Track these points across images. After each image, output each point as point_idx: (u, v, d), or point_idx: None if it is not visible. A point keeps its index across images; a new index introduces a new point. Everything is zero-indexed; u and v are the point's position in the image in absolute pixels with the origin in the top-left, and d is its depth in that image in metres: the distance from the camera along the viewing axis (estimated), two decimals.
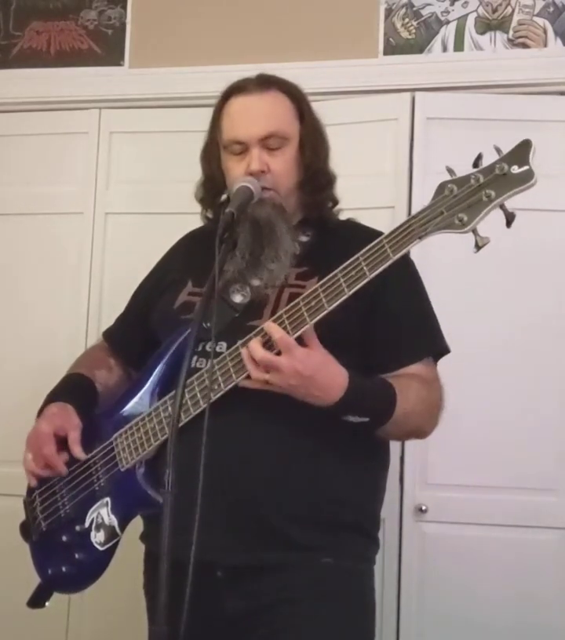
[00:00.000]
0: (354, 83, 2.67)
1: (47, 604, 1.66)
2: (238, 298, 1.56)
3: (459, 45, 2.65)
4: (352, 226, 1.68)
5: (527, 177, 1.32)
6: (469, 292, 2.49)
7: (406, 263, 1.60)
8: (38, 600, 1.66)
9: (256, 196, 1.53)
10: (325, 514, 1.50)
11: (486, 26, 2.64)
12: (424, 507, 2.46)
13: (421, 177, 2.53)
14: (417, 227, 1.36)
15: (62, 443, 1.58)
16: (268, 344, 1.38)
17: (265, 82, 1.63)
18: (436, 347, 1.62)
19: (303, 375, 1.37)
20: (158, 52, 2.82)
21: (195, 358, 1.50)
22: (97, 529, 1.57)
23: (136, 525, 1.61)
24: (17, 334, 2.80)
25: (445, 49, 2.66)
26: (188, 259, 1.72)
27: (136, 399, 1.59)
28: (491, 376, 2.46)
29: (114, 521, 1.55)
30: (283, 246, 1.54)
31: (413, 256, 2.29)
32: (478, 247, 1.34)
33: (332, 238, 1.61)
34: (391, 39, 2.69)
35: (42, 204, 2.83)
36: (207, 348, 1.47)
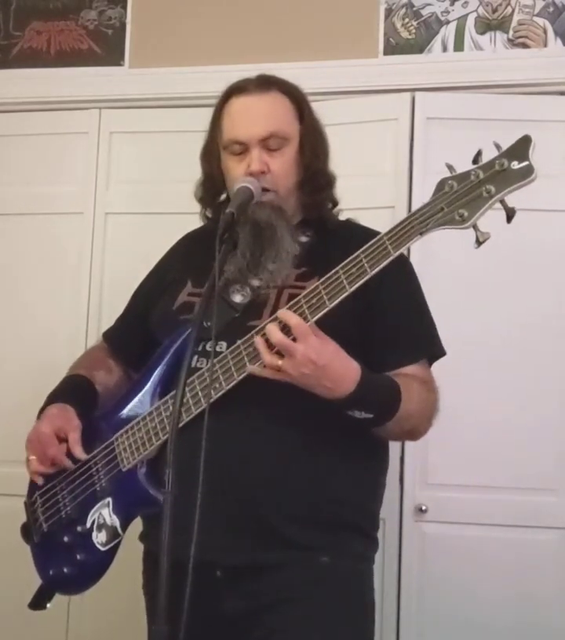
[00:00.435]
0: (354, 83, 2.67)
1: (48, 605, 1.66)
2: (238, 298, 1.56)
3: (459, 45, 2.65)
4: (352, 226, 1.68)
5: (527, 172, 1.32)
6: (469, 292, 2.49)
7: (403, 264, 1.60)
8: (39, 601, 1.65)
9: (257, 196, 1.53)
10: (324, 513, 1.50)
11: (486, 26, 2.64)
12: (424, 507, 2.46)
13: (421, 177, 2.53)
14: (417, 223, 1.36)
15: (62, 444, 1.58)
16: (283, 332, 1.37)
17: (265, 83, 1.64)
18: (433, 350, 1.62)
19: (317, 364, 1.36)
20: (158, 52, 2.82)
21: (195, 357, 1.50)
22: (99, 529, 1.56)
23: (136, 525, 1.61)
24: (17, 334, 2.80)
25: (445, 49, 2.66)
26: (188, 259, 1.72)
27: (136, 399, 1.59)
28: (491, 375, 2.46)
29: (116, 522, 1.55)
30: (284, 247, 1.55)
31: (413, 256, 2.31)
32: (479, 242, 1.34)
33: (331, 239, 1.61)
34: (391, 39, 2.69)
35: (42, 204, 2.83)
36: (207, 348, 1.47)
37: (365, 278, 1.37)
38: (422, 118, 2.58)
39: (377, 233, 1.44)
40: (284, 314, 1.38)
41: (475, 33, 2.64)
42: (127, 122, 2.84)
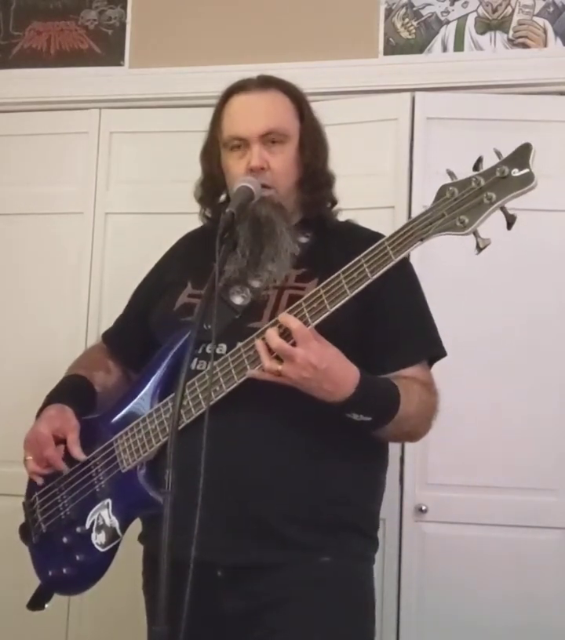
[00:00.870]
0: (354, 83, 2.67)
1: (47, 606, 1.66)
2: (238, 300, 1.55)
3: (459, 45, 2.65)
4: (351, 227, 1.69)
5: (528, 180, 1.33)
6: (469, 293, 2.49)
7: (403, 265, 1.60)
8: (38, 602, 1.65)
9: (257, 196, 1.53)
10: (324, 514, 1.50)
11: (486, 26, 2.64)
12: (424, 507, 2.46)
13: (420, 177, 2.53)
14: (418, 229, 1.37)
15: (61, 445, 1.58)
16: (283, 336, 1.38)
17: (266, 82, 1.64)
18: (433, 351, 1.62)
19: (317, 368, 1.36)
20: (158, 52, 2.82)
21: (195, 360, 1.51)
22: (98, 530, 1.56)
23: (135, 526, 1.61)
24: (17, 334, 2.80)
25: (445, 49, 2.66)
26: (187, 260, 1.72)
27: (136, 400, 1.59)
28: (491, 376, 2.46)
29: (116, 523, 1.55)
30: (283, 245, 1.55)
31: (414, 257, 2.30)
32: (479, 248, 1.35)
33: (331, 240, 1.61)
34: (391, 39, 2.69)
35: (42, 204, 2.83)
36: (208, 350, 1.47)
37: (366, 283, 1.38)
38: (422, 118, 2.58)
39: (377, 234, 1.44)
40: (285, 317, 1.38)
41: (475, 33, 2.64)
42: (127, 122, 2.84)
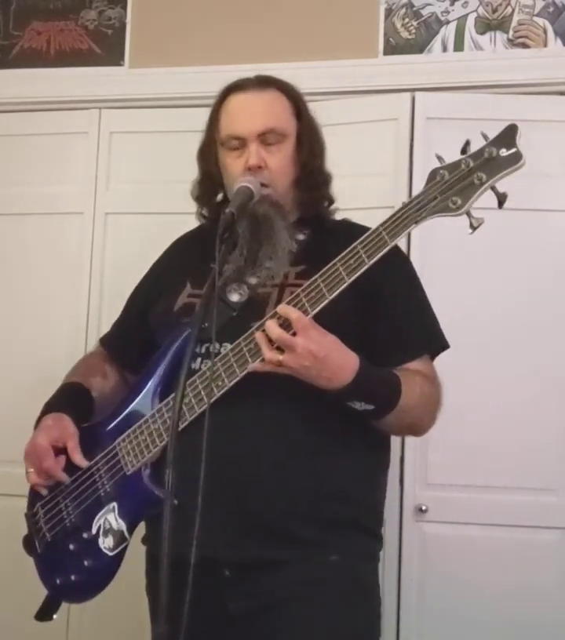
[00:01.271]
0: (354, 83, 2.66)
1: (55, 616, 1.65)
2: (235, 297, 1.56)
3: (459, 45, 2.65)
4: (348, 225, 1.69)
5: (516, 159, 1.36)
6: (469, 293, 2.49)
7: (402, 261, 1.61)
8: (46, 613, 1.64)
9: (257, 196, 1.53)
10: (328, 511, 1.51)
11: (486, 26, 2.64)
12: (424, 507, 2.46)
13: (420, 177, 2.48)
14: (412, 212, 1.40)
15: (61, 454, 1.57)
16: (282, 327, 1.38)
17: (263, 81, 1.65)
18: (434, 344, 1.63)
19: (317, 356, 1.37)
20: (158, 52, 2.82)
21: (199, 360, 1.51)
22: (105, 534, 1.56)
23: (140, 526, 1.60)
24: (17, 334, 2.80)
25: (445, 49, 2.66)
26: (185, 260, 1.72)
27: (137, 401, 1.59)
28: (492, 376, 2.45)
29: (123, 526, 1.55)
30: (281, 243, 1.55)
31: (414, 258, 2.30)
32: (473, 228, 1.38)
33: (329, 237, 1.61)
34: (391, 39, 2.69)
35: (42, 204, 2.83)
36: (211, 349, 1.47)
37: (363, 269, 1.40)
38: (422, 118, 2.58)
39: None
40: (284, 308, 1.39)
41: (475, 33, 2.64)
42: (127, 122, 2.84)
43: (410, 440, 2.40)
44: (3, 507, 2.31)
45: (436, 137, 2.54)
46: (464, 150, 1.39)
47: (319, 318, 1.41)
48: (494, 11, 2.64)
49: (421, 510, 2.46)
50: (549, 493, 2.43)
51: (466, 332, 2.38)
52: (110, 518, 1.55)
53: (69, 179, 2.84)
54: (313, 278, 1.41)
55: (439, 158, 1.41)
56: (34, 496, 1.65)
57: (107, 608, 2.39)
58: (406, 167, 2.57)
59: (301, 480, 1.48)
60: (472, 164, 1.37)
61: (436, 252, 2.42)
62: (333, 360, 1.39)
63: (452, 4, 2.67)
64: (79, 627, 2.63)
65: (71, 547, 1.59)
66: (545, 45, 2.60)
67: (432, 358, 1.63)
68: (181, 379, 1.25)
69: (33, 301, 2.81)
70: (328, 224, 1.67)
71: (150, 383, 1.58)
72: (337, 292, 1.40)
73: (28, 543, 1.67)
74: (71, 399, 1.66)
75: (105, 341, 1.84)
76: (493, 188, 1.37)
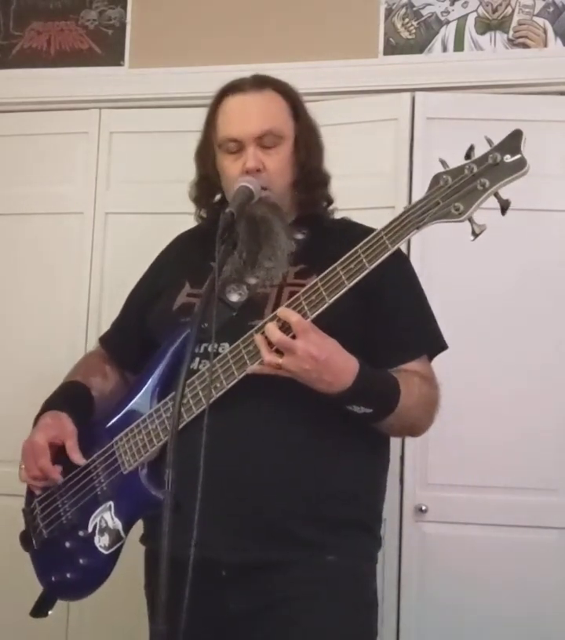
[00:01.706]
0: (354, 83, 2.66)
1: (50, 612, 1.65)
2: (234, 297, 1.56)
3: (459, 45, 2.65)
4: (347, 224, 1.69)
5: (520, 165, 1.35)
6: (468, 293, 2.49)
7: (402, 262, 1.61)
8: (41, 609, 1.64)
9: (256, 196, 1.53)
10: (328, 512, 1.51)
11: (486, 26, 2.64)
12: (424, 507, 2.46)
13: (420, 177, 2.52)
14: (414, 217, 1.39)
15: (59, 452, 1.57)
16: (282, 330, 1.38)
17: (260, 82, 1.64)
18: (433, 345, 1.63)
19: (318, 359, 1.37)
20: (158, 52, 2.82)
21: (197, 360, 1.51)
22: (101, 533, 1.56)
23: (137, 526, 1.61)
24: (17, 334, 2.80)
25: (445, 49, 2.66)
26: (183, 260, 1.72)
27: (135, 400, 1.59)
28: (492, 376, 2.46)
29: (119, 525, 1.55)
30: (280, 244, 1.55)
31: (414, 259, 2.30)
32: (475, 235, 1.37)
33: (327, 236, 1.62)
34: (391, 39, 2.69)
35: (42, 204, 2.83)
36: (210, 349, 1.47)
37: (363, 273, 1.39)
38: (422, 118, 2.58)
39: (372, 229, 1.45)
40: (283, 311, 1.39)
41: (475, 33, 2.64)
42: (127, 122, 2.84)
43: (409, 440, 2.40)
44: (3, 506, 2.31)
45: (436, 137, 2.54)
46: (468, 155, 1.38)
47: (319, 318, 1.41)
48: (494, 11, 2.64)
49: (421, 510, 2.46)
50: (549, 493, 2.43)
51: (466, 331, 2.39)
52: (106, 516, 1.56)
53: (69, 179, 2.84)
54: (313, 282, 1.41)
55: (443, 163, 1.39)
56: (31, 491, 1.65)
57: (106, 606, 2.39)
58: (406, 167, 2.57)
59: (301, 481, 1.48)
60: (475, 169, 1.36)
61: (436, 252, 2.42)
62: (333, 364, 1.39)
63: (452, 4, 2.67)
64: (79, 624, 2.63)
65: (67, 544, 1.59)
66: (545, 45, 2.60)
67: (431, 358, 1.63)
68: (181, 380, 1.24)
69: (33, 301, 2.81)
70: (327, 223, 1.67)
71: (148, 383, 1.58)
72: (337, 296, 1.39)
73: (25, 539, 1.67)
74: (70, 398, 1.66)
75: (104, 341, 1.84)
76: (496, 195, 1.36)
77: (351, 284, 1.39)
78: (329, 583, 1.49)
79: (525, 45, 2.61)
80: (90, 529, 1.57)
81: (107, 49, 2.87)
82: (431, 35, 2.67)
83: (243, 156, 1.58)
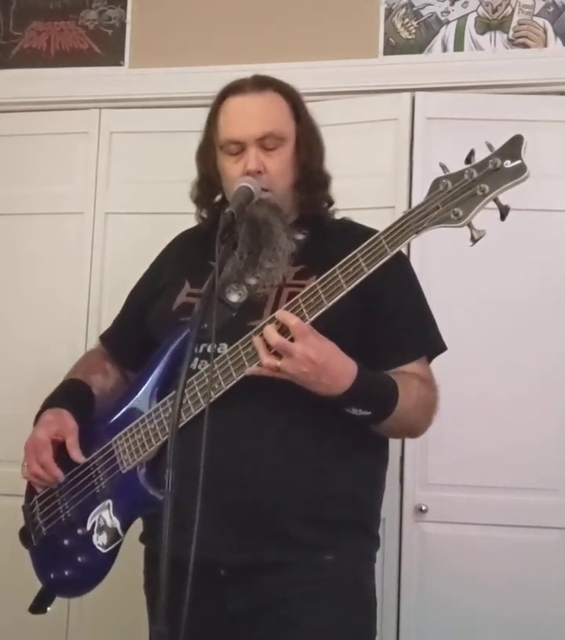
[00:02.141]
0: (354, 83, 2.66)
1: (49, 609, 1.66)
2: (234, 297, 1.56)
3: (459, 45, 2.65)
4: (348, 224, 1.69)
5: (520, 171, 1.34)
6: (470, 294, 2.49)
7: (402, 262, 1.61)
8: (39, 605, 1.65)
9: (257, 196, 1.53)
10: (326, 512, 1.51)
11: (486, 26, 2.64)
12: (424, 507, 2.46)
13: (420, 177, 2.53)
14: (413, 222, 1.38)
15: (60, 449, 1.58)
16: (281, 332, 1.38)
17: (261, 83, 1.64)
18: (432, 347, 1.63)
19: (316, 362, 1.37)
20: (158, 52, 2.81)
21: (196, 360, 1.51)
22: (99, 531, 1.56)
23: (136, 525, 1.61)
24: (17, 334, 2.80)
25: (445, 49, 2.66)
26: (184, 259, 1.72)
27: (134, 400, 1.59)
28: (492, 376, 2.46)
29: (117, 523, 1.55)
30: (281, 246, 1.55)
31: (413, 257, 2.30)
32: (474, 240, 1.37)
33: (328, 236, 1.62)
34: (391, 39, 2.69)
35: (42, 204, 2.83)
36: (208, 350, 1.47)
37: (362, 277, 1.39)
38: (422, 118, 2.58)
39: (373, 230, 1.45)
40: (282, 314, 1.39)
41: (475, 33, 2.64)
42: (127, 122, 2.84)
43: (409, 440, 2.40)
44: (3, 506, 2.31)
45: (436, 137, 2.54)
46: (468, 160, 1.38)
47: (317, 320, 1.41)
48: (494, 11, 2.64)
49: (420, 510, 2.46)
50: (549, 493, 2.43)
51: (466, 332, 2.39)
52: (104, 515, 1.56)
53: (69, 179, 2.84)
54: (312, 285, 1.41)
55: (443, 167, 1.39)
56: (31, 488, 1.66)
57: (106, 604, 2.40)
58: (406, 167, 2.57)
59: (300, 482, 1.48)
60: (475, 174, 1.36)
61: (435, 253, 2.42)
62: (331, 367, 1.39)
63: (452, 4, 2.67)
64: (79, 623, 2.63)
65: (66, 542, 1.60)
66: (545, 45, 2.60)
67: (430, 360, 1.63)
68: (181, 380, 1.25)
69: (33, 301, 2.81)
70: (327, 224, 1.67)
71: (148, 383, 1.58)
72: (336, 299, 1.40)
73: (24, 536, 1.68)
74: (71, 395, 1.66)
75: (105, 339, 1.85)
76: (495, 200, 1.36)
77: (350, 288, 1.39)
78: (328, 584, 1.50)
79: (525, 45, 2.61)
80: (89, 528, 1.57)
81: (107, 49, 2.87)
82: (431, 35, 2.67)
83: (244, 157, 1.58)
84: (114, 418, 1.60)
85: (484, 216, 1.37)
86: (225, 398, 1.44)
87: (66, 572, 1.60)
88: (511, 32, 2.62)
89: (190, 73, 2.76)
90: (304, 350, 1.36)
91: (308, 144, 1.64)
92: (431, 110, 2.59)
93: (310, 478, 1.49)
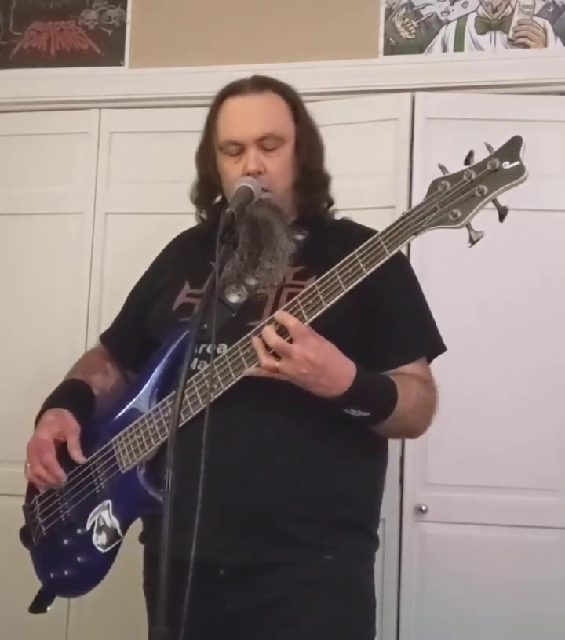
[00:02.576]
0: (354, 83, 2.66)
1: (49, 608, 1.66)
2: (234, 298, 1.56)
3: (459, 45, 2.65)
4: (347, 225, 1.69)
5: (519, 172, 1.34)
6: (470, 294, 2.49)
7: (401, 262, 1.61)
8: (39, 605, 1.65)
9: (257, 196, 1.53)
10: (326, 512, 1.51)
11: (486, 26, 2.64)
12: (424, 507, 2.46)
13: (420, 177, 2.53)
14: (411, 223, 1.38)
15: (62, 449, 1.58)
16: (279, 333, 1.38)
17: (260, 83, 1.64)
18: (431, 347, 1.63)
19: (315, 363, 1.37)
20: (158, 52, 2.81)
21: (195, 360, 1.51)
22: (99, 531, 1.57)
23: (136, 525, 1.61)
24: (17, 334, 2.80)
25: (445, 49, 2.66)
26: (183, 259, 1.72)
27: (134, 401, 1.59)
28: (491, 376, 2.45)
29: (116, 523, 1.56)
30: (281, 247, 1.55)
31: (413, 257, 2.31)
32: (472, 241, 1.37)
33: (327, 237, 1.62)
34: (391, 39, 2.69)
35: (42, 204, 2.83)
36: (208, 350, 1.47)
37: (360, 278, 1.39)
38: (422, 118, 2.58)
39: (372, 230, 1.45)
40: (281, 315, 1.39)
41: (475, 33, 2.64)
42: (127, 122, 2.84)
43: (409, 440, 2.40)
44: (3, 507, 2.31)
45: (436, 137, 2.54)
46: (467, 161, 1.38)
47: (316, 321, 1.41)
48: (494, 11, 2.64)
49: (420, 510, 2.46)
50: (549, 493, 2.43)
51: (466, 332, 2.39)
52: (104, 515, 1.56)
53: (69, 179, 2.84)
54: (311, 285, 1.41)
55: (442, 168, 1.39)
56: (32, 488, 1.66)
57: (106, 604, 2.40)
58: (406, 167, 2.57)
59: (300, 482, 1.48)
60: (474, 176, 1.35)
61: (435, 253, 2.42)
62: (330, 368, 1.40)
63: (452, 4, 2.67)
64: (79, 622, 2.63)
65: (66, 542, 1.60)
66: (545, 45, 2.60)
67: (429, 360, 1.63)
68: (181, 381, 1.25)
69: (33, 301, 2.81)
70: (327, 224, 1.67)
71: (147, 383, 1.58)
72: (334, 300, 1.40)
73: (25, 536, 1.68)
74: (71, 395, 1.67)
75: (105, 339, 1.85)
76: (494, 201, 1.36)
77: (349, 288, 1.39)
78: (328, 584, 1.50)
79: (525, 45, 2.61)
80: (88, 527, 1.58)
81: (107, 49, 2.87)
82: (431, 35, 2.67)
83: (244, 158, 1.58)
84: (115, 418, 1.60)
85: (483, 217, 1.37)
86: (224, 398, 1.44)
87: (65, 572, 1.61)
88: (511, 32, 2.62)
89: (190, 73, 2.76)
90: (303, 352, 1.36)
91: (307, 145, 1.64)
92: (431, 110, 2.59)
93: (309, 479, 1.49)
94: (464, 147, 1.40)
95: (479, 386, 2.44)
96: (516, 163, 1.34)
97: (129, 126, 2.83)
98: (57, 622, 2.59)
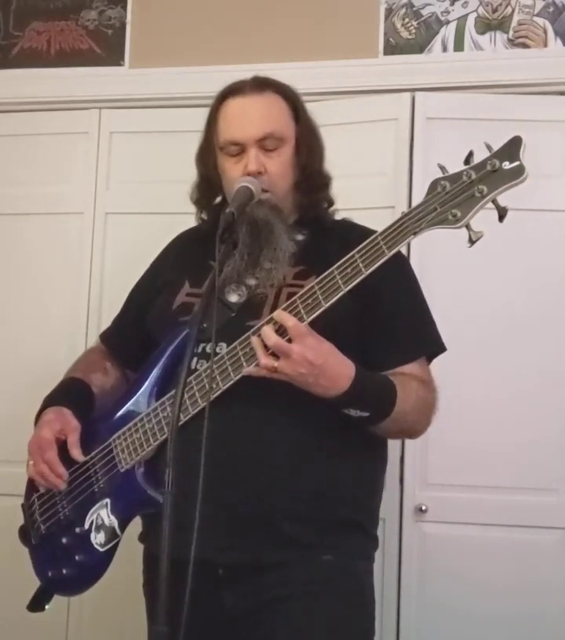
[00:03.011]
0: (354, 83, 2.66)
1: (47, 607, 1.66)
2: (233, 297, 1.56)
3: (459, 45, 2.65)
4: (348, 225, 1.69)
5: (519, 173, 1.34)
6: (469, 294, 2.49)
7: (401, 262, 1.61)
8: (38, 603, 1.66)
9: (257, 196, 1.53)
10: (325, 512, 1.51)
11: (486, 26, 2.64)
12: (424, 507, 2.46)
13: (420, 177, 2.53)
14: (411, 223, 1.38)
15: (62, 447, 1.58)
16: (278, 333, 1.38)
17: (261, 84, 1.64)
18: (431, 348, 1.63)
19: (314, 363, 1.37)
20: (158, 52, 2.82)
21: (194, 359, 1.51)
22: (97, 530, 1.57)
23: (136, 525, 1.61)
24: (17, 334, 2.80)
25: (445, 49, 2.66)
26: (183, 259, 1.72)
27: (133, 400, 1.59)
28: (491, 376, 2.46)
29: (114, 522, 1.56)
30: (281, 247, 1.55)
31: (414, 257, 2.31)
32: (471, 242, 1.37)
33: (327, 237, 1.62)
34: (391, 39, 2.69)
35: (42, 204, 2.83)
36: (207, 349, 1.47)
37: (360, 278, 1.39)
38: (422, 118, 2.58)
39: (372, 231, 1.45)
40: (280, 315, 1.39)
41: (475, 33, 2.64)
42: (127, 122, 2.84)
43: (409, 440, 2.40)
44: (3, 507, 2.31)
45: (436, 137, 2.54)
46: (467, 161, 1.37)
47: (316, 321, 1.41)
48: (494, 11, 2.64)
49: (420, 510, 2.46)
50: (549, 493, 2.43)
51: (466, 332, 2.39)
52: (102, 513, 1.56)
53: (69, 179, 2.84)
54: (310, 285, 1.41)
55: (442, 168, 1.39)
56: (31, 486, 1.66)
57: (106, 603, 2.41)
58: (406, 167, 2.57)
59: (299, 482, 1.48)
60: (473, 176, 1.35)
61: (435, 252, 2.42)
62: (329, 368, 1.39)
63: (452, 4, 2.67)
64: (78, 622, 2.63)
65: (64, 540, 1.61)
66: (545, 45, 2.60)
67: (429, 360, 1.63)
68: (181, 380, 1.25)
69: (33, 301, 2.81)
70: (327, 224, 1.67)
71: (147, 382, 1.58)
72: (333, 300, 1.40)
73: (23, 534, 1.69)
74: (71, 394, 1.67)
75: (105, 338, 1.85)
76: (494, 201, 1.35)
77: (348, 288, 1.39)
78: (328, 584, 1.50)
79: (525, 45, 2.61)
80: (87, 526, 1.58)
81: (107, 49, 2.87)
82: (431, 35, 2.67)
83: (244, 158, 1.58)
84: (114, 417, 1.60)
85: (483, 217, 1.37)
86: (224, 397, 1.44)
87: (64, 571, 1.61)
88: (511, 32, 2.62)
89: (190, 73, 2.76)
90: (302, 352, 1.36)
91: (307, 145, 1.64)
92: (431, 110, 2.59)
93: (309, 479, 1.49)
94: (464, 147, 1.40)
95: (479, 386, 2.44)
96: (516, 163, 1.34)
97: (129, 126, 2.83)
98: (57, 622, 2.59)
